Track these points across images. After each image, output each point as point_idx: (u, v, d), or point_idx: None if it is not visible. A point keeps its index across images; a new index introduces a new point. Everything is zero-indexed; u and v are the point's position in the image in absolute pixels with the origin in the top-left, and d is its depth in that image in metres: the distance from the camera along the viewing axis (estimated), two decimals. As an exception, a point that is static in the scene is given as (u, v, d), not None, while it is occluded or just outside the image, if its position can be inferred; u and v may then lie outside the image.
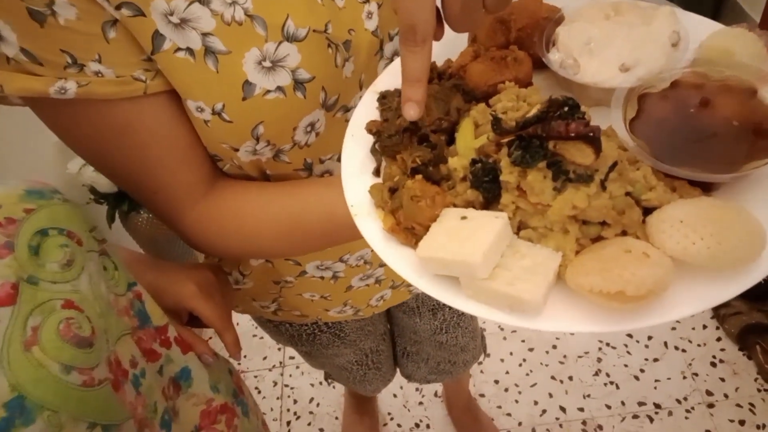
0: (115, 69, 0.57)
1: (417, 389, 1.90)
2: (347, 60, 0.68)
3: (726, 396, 1.80)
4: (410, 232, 0.52)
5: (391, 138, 0.58)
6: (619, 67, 0.55)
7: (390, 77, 0.66)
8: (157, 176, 0.67)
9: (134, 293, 0.62)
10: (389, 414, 1.88)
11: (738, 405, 1.79)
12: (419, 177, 0.53)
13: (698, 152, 0.48)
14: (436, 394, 1.89)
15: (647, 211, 0.48)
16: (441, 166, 0.53)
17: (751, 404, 1.79)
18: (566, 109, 0.47)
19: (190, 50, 0.58)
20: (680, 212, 0.44)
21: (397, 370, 1.54)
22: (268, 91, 0.62)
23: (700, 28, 0.60)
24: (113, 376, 0.51)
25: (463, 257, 0.45)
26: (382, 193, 0.55)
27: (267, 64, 0.61)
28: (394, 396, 1.89)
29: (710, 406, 1.79)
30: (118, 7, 0.54)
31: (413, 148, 0.56)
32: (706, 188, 0.49)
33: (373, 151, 0.60)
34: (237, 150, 0.66)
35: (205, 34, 0.58)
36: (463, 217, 0.49)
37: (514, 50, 0.61)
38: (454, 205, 0.52)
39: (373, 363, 1.39)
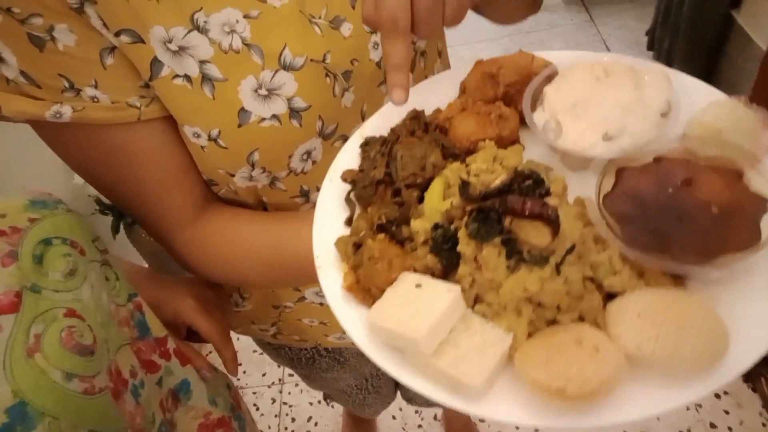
0: (111, 95, 0.57)
1: (416, 412, 1.85)
2: (347, 90, 0.66)
3: (730, 429, 1.71)
4: (368, 293, 0.50)
5: (366, 189, 0.56)
6: (602, 135, 0.52)
7: (379, 121, 0.64)
8: (148, 199, 0.66)
9: (135, 304, 0.61)
10: (388, 436, 1.85)
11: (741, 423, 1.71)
12: (381, 236, 0.51)
13: (672, 236, 0.44)
14: (435, 417, 1.84)
15: (613, 295, 0.45)
16: (404, 227, 0.51)
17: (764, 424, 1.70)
18: (529, 182, 0.44)
19: (187, 77, 0.58)
20: (640, 304, 0.41)
21: (398, 392, 1.51)
22: (264, 119, 0.61)
23: (695, 93, 0.56)
24: (113, 385, 0.51)
25: (407, 332, 0.42)
26: (347, 248, 0.53)
27: (263, 92, 0.60)
28: (393, 418, 1.85)
29: (713, 426, 1.71)
30: (117, 34, 0.54)
31: (382, 203, 0.54)
32: (677, 276, 0.45)
33: (347, 200, 0.58)
34: (233, 175, 0.65)
35: (202, 62, 0.57)
36: (418, 285, 0.46)
37: (500, 106, 0.58)
38: (414, 269, 0.49)
39: (373, 387, 1.37)
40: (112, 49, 0.56)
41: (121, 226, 1.55)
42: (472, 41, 2.94)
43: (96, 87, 0.56)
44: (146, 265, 1.84)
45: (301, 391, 1.94)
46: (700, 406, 1.77)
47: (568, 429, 0.39)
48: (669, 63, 2.32)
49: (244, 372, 2.01)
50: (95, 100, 0.56)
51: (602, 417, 0.39)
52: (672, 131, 0.52)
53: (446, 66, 0.86)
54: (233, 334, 0.97)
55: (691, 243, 0.44)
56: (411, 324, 0.42)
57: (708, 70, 2.21)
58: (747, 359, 0.39)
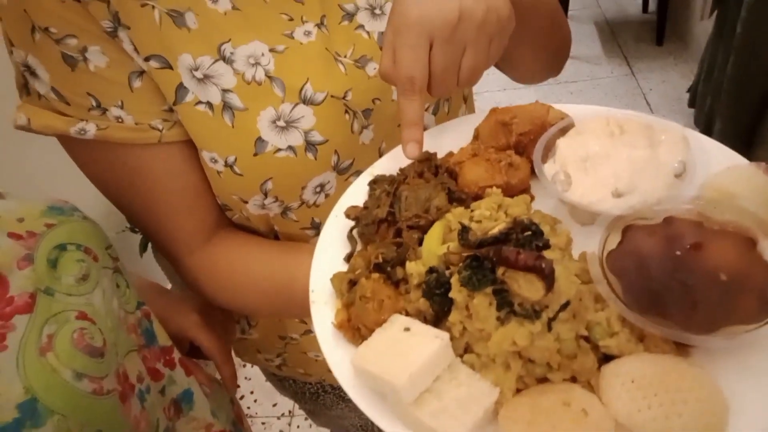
0: (135, 116, 0.59)
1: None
2: (366, 127, 0.67)
3: None
4: (358, 332, 0.49)
5: (368, 227, 0.56)
6: (612, 191, 0.51)
7: (389, 161, 0.64)
8: (160, 220, 0.68)
9: (143, 312, 0.62)
10: (391, 480, 1.78)
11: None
12: (376, 276, 0.50)
13: (676, 302, 0.42)
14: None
15: (611, 357, 0.43)
16: (399, 268, 0.50)
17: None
18: (528, 233, 0.43)
19: (209, 104, 0.59)
20: (635, 370, 0.39)
21: None
22: (279, 149, 0.62)
23: (714, 156, 0.54)
24: (121, 388, 0.51)
25: (388, 377, 0.41)
26: (342, 285, 0.52)
27: (281, 123, 0.61)
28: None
29: None
30: (147, 59, 0.57)
31: (382, 242, 0.53)
32: (680, 343, 0.43)
33: (350, 237, 0.58)
34: (246, 202, 0.66)
35: (225, 90, 0.59)
36: (407, 329, 0.45)
37: (511, 155, 0.58)
38: (406, 312, 0.48)
39: (378, 429, 1.33)
40: (141, 73, 0.58)
41: (149, 245, 1.57)
42: (511, 87, 2.95)
43: (122, 108, 0.58)
44: (170, 285, 1.85)
45: (311, 425, 1.90)
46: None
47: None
48: (710, 121, 2.27)
49: (255, 401, 1.98)
50: (119, 120, 0.58)
51: (585, 488, 0.36)
52: (685, 192, 0.50)
53: (471, 112, 0.86)
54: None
55: (695, 310, 0.42)
56: (393, 369, 0.41)
57: (751, 131, 2.15)
58: (748, 440, 0.37)
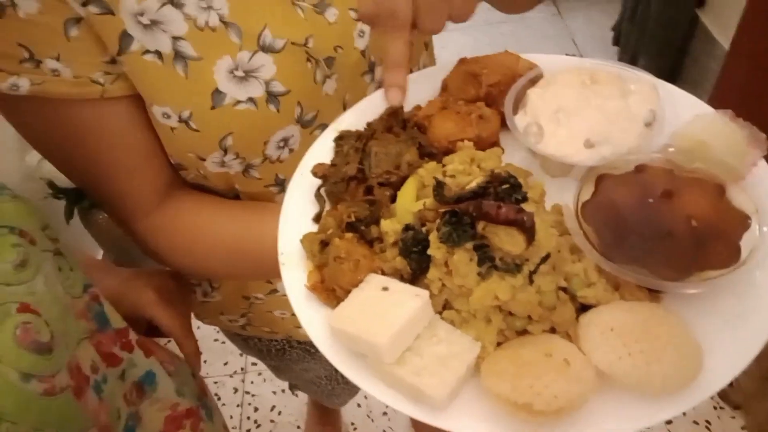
0: (73, 69, 0.54)
1: (382, 400, 1.86)
2: (328, 77, 0.65)
3: (684, 414, 1.74)
4: (332, 293, 0.48)
5: (337, 185, 0.55)
6: (583, 142, 0.51)
7: (355, 116, 0.62)
8: (110, 182, 0.64)
9: (90, 295, 0.58)
10: (353, 424, 1.80)
11: (695, 422, 1.73)
12: (350, 235, 0.49)
13: (650, 250, 0.43)
14: (400, 407, 1.84)
15: (587, 306, 0.44)
16: (373, 227, 0.49)
17: (708, 421, 1.73)
18: (506, 186, 0.42)
19: (158, 53, 0.55)
20: (613, 319, 0.40)
21: None
22: (239, 102, 0.58)
23: (682, 105, 0.55)
24: (74, 383, 0.48)
25: (369, 337, 0.40)
26: (313, 246, 0.51)
27: (239, 73, 0.58)
28: (358, 406, 1.78)
29: (668, 422, 1.70)
30: (84, 4, 0.52)
31: (352, 200, 0.52)
32: (653, 290, 0.44)
33: (317, 196, 0.56)
34: (204, 160, 0.63)
35: (175, 38, 0.55)
36: (385, 288, 0.44)
37: (481, 107, 0.57)
38: (382, 272, 0.47)
39: (342, 378, 1.35)
40: (78, 20, 0.53)
41: (76, 212, 1.48)
42: (442, 31, 2.93)
43: (58, 60, 0.54)
44: (101, 253, 1.77)
45: (264, 380, 1.91)
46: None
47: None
48: (634, 59, 2.35)
49: (205, 361, 1.94)
50: (56, 73, 0.54)
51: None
52: (656, 142, 0.51)
53: (431, 58, 0.85)
54: (194, 323, 0.94)
55: (668, 257, 0.43)
56: (374, 329, 0.41)
57: (673, 69, 2.25)
58: (720, 380, 0.39)
